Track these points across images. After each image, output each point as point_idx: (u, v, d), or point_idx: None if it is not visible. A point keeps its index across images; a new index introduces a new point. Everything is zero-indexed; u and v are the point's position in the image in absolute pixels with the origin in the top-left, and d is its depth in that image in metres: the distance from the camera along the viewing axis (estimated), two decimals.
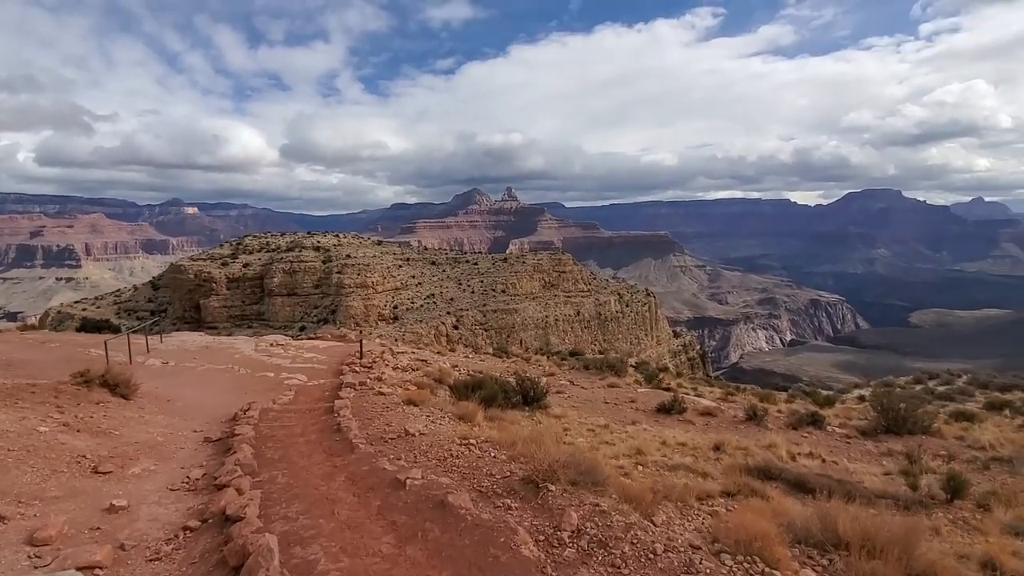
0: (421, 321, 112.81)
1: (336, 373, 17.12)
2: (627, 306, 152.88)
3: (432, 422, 10.30)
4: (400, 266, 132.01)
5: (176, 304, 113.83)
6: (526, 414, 13.35)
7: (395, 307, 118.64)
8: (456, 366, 19.90)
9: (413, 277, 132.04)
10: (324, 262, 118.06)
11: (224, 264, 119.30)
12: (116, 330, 24.36)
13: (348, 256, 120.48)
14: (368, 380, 14.46)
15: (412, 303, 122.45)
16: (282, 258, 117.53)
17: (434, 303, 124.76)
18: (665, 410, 15.98)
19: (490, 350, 32.93)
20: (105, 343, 15.91)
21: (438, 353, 24.17)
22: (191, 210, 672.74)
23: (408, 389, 13.84)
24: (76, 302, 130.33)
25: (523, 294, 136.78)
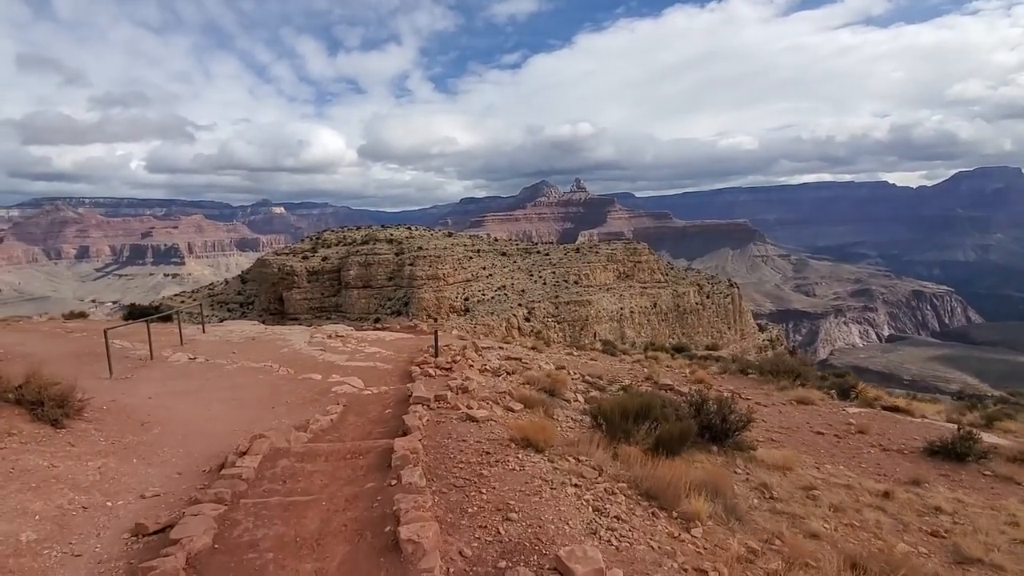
0: (492, 313, 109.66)
1: (403, 377, 12.48)
2: (708, 298, 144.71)
3: (596, 508, 5.04)
4: (471, 257, 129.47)
5: (262, 296, 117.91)
6: (719, 456, 7.96)
7: (466, 299, 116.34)
8: (563, 367, 14.85)
9: (484, 268, 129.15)
10: (397, 254, 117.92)
11: (304, 258, 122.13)
12: (167, 318, 21.43)
13: (420, 248, 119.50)
14: (448, 391, 9.60)
15: (483, 295, 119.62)
16: (358, 251, 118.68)
17: (505, 295, 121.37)
18: (946, 453, 9.75)
19: (563, 343, 27.46)
20: (105, 333, 12.16)
21: (532, 349, 19.26)
22: (278, 210, 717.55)
23: (510, 408, 8.91)
24: (176, 295, 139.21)
25: (596, 285, 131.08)
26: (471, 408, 8.67)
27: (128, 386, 11.04)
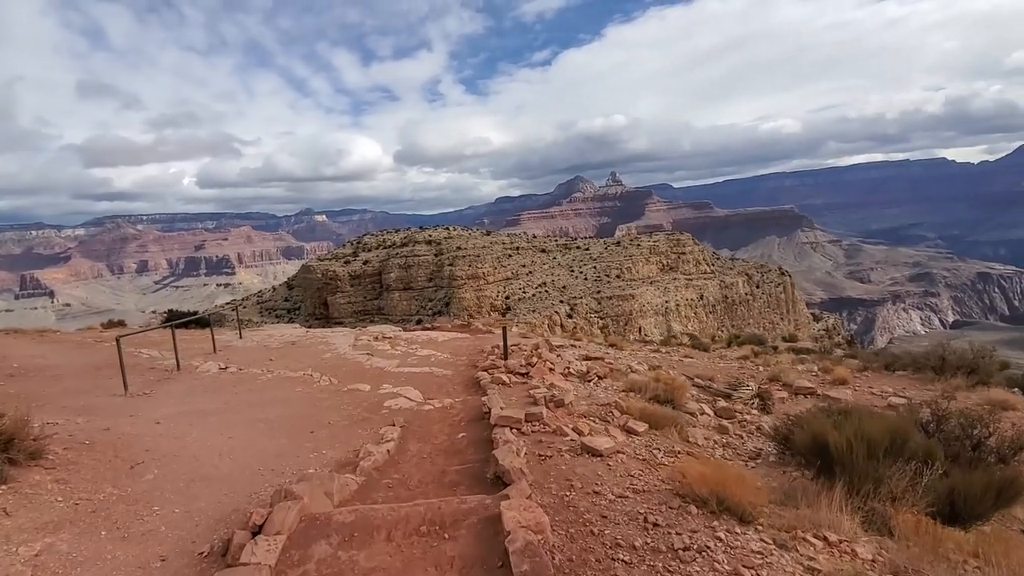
0: (534, 311, 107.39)
1: (468, 385, 10.11)
2: (757, 287, 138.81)
3: None
4: (509, 255, 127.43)
5: (307, 301, 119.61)
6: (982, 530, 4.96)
7: (507, 297, 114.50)
8: (656, 367, 12.15)
9: (523, 266, 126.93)
10: (436, 255, 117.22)
11: (346, 263, 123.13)
12: (205, 323, 19.96)
13: (459, 248, 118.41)
14: (536, 405, 7.13)
15: (524, 293, 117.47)
16: (397, 254, 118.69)
17: (546, 292, 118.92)
18: None
19: (639, 341, 24.35)
20: (117, 341, 10.28)
21: (612, 347, 16.61)
22: (320, 218, 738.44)
23: (631, 430, 6.38)
24: (227, 303, 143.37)
25: (640, 279, 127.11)
26: (580, 431, 6.16)
27: (143, 404, 9.11)
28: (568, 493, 4.55)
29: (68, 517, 4.30)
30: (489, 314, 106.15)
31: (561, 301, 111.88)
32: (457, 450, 6.44)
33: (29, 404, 8.68)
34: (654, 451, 5.89)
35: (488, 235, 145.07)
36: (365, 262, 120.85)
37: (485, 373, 10.29)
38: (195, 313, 23.68)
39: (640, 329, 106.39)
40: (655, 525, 3.86)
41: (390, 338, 16.61)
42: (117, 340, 10.32)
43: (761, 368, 13.30)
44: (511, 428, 6.32)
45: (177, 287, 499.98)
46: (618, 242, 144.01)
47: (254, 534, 3.84)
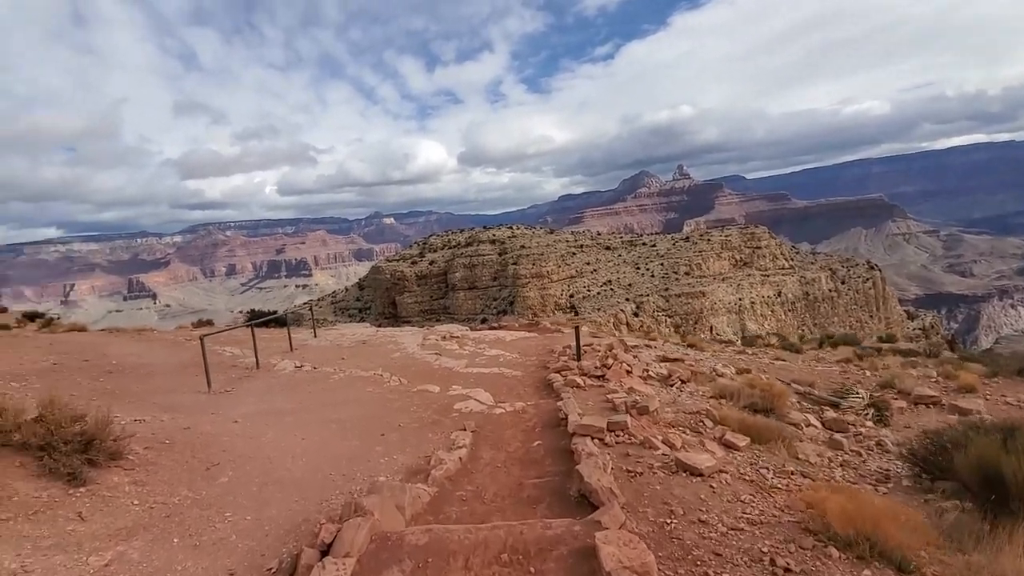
0: (599, 309, 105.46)
1: (539, 387, 9.62)
2: (842, 283, 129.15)
3: None
4: (574, 253, 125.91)
5: (377, 301, 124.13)
6: None
7: (571, 296, 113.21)
8: (744, 370, 11.08)
9: (588, 264, 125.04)
10: (500, 254, 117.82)
11: (413, 263, 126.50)
12: (283, 322, 20.78)
13: (522, 247, 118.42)
14: (617, 412, 6.52)
15: (588, 291, 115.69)
16: (462, 253, 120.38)
17: (611, 290, 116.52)
18: None
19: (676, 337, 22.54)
20: (202, 340, 10.64)
21: (691, 347, 15.52)
22: (388, 220, 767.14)
23: (730, 443, 5.62)
24: (305, 303, 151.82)
25: (711, 275, 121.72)
26: (672, 444, 5.48)
27: (223, 402, 9.32)
28: (668, 520, 3.92)
29: (142, 522, 4.21)
30: (553, 313, 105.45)
31: (627, 299, 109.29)
32: (533, 460, 5.94)
33: (121, 400, 9.11)
34: (761, 471, 5.11)
35: (551, 233, 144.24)
36: (431, 262, 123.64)
37: (557, 375, 9.76)
38: (274, 313, 24.82)
39: (712, 328, 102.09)
40: (787, 571, 3.17)
41: (458, 337, 16.44)
42: (201, 339, 10.70)
43: (868, 373, 11.79)
44: (592, 438, 5.74)
45: (261, 288, 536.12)
46: (687, 237, 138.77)
47: (323, 553, 3.53)
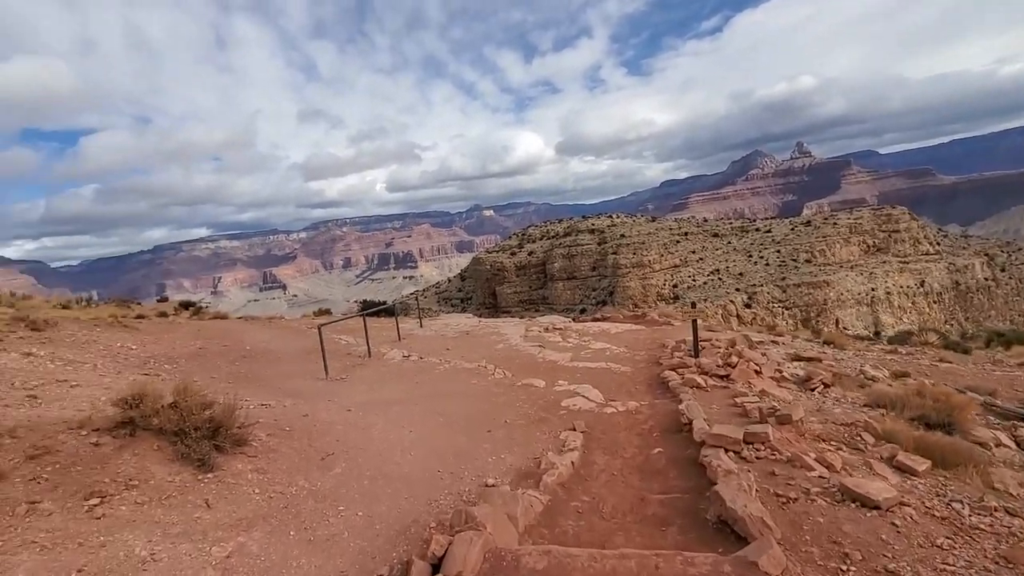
0: (705, 300, 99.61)
1: (652, 385, 8.87)
2: (1002, 271, 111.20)
3: None
4: (677, 241, 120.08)
5: (478, 292, 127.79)
6: None
7: (674, 286, 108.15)
8: (902, 374, 9.39)
9: (693, 252, 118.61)
10: (599, 244, 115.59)
11: (512, 254, 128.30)
12: (391, 312, 21.75)
13: (622, 236, 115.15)
14: (760, 423, 5.67)
15: (693, 281, 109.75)
16: (560, 243, 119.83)
17: (719, 279, 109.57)
18: None
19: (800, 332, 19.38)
20: (319, 329, 11.19)
21: (828, 344, 13.69)
22: (488, 213, 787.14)
23: (903, 466, 4.59)
24: (411, 293, 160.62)
25: (836, 263, 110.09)
26: (830, 465, 4.57)
27: (338, 389, 9.70)
28: (844, 568, 3.14)
29: (262, 512, 4.25)
30: (656, 303, 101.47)
31: (737, 289, 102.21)
32: (655, 470, 5.31)
33: (253, 383, 9.80)
34: (953, 504, 4.07)
35: (653, 221, 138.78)
36: (530, 253, 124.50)
37: (673, 372, 8.94)
38: (383, 303, 26.10)
39: (837, 321, 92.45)
40: None
41: (560, 329, 15.99)
42: (319, 329, 11.28)
43: None
44: (726, 450, 4.99)
45: (373, 280, 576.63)
46: (808, 222, 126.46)
47: (434, 568, 3.27)
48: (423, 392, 9.27)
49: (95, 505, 3.68)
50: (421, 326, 18.08)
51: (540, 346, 13.37)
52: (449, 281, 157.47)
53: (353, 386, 10.08)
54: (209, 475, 4.45)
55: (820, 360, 10.14)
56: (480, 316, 26.78)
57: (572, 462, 5.60)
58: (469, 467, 5.70)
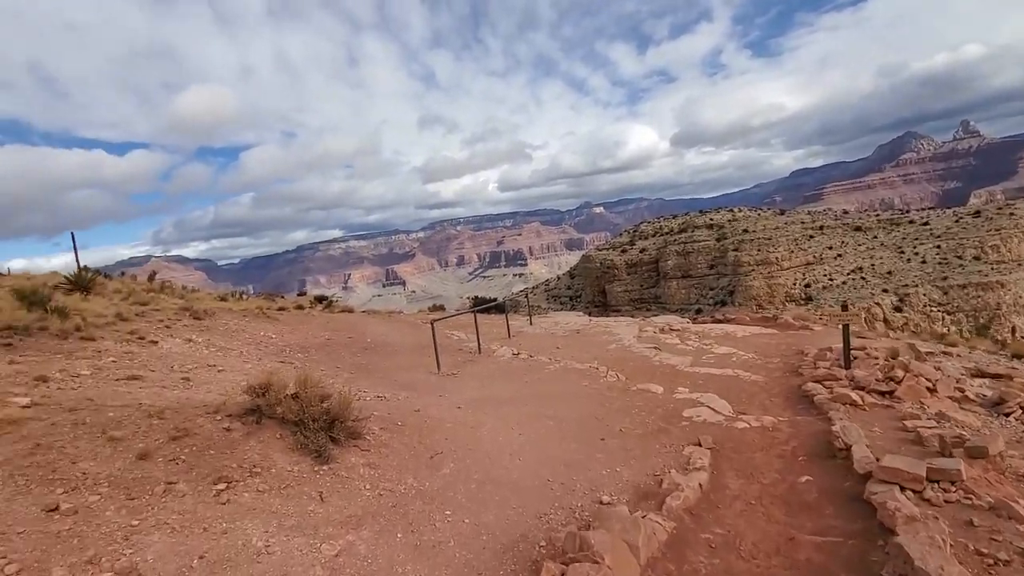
0: (844, 301, 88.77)
1: (789, 397, 7.77)
2: None
3: None
4: (811, 236, 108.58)
5: (587, 290, 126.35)
6: None
7: (807, 285, 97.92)
8: None
9: (830, 248, 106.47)
10: (718, 240, 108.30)
11: (623, 251, 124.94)
12: (501, 309, 21.99)
13: (745, 231, 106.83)
14: (939, 454, 4.57)
15: (830, 280, 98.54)
16: (675, 240, 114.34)
17: (862, 278, 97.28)
18: None
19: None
20: (432, 325, 11.39)
21: (1016, 357, 11.28)
22: (598, 210, 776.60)
23: None
24: (520, 290, 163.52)
25: (1013, 260, 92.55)
26: None
27: (449, 385, 9.78)
28: None
29: (371, 510, 4.21)
30: (784, 304, 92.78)
31: (884, 290, 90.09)
32: (804, 503, 4.48)
33: (372, 375, 10.22)
34: None
35: (782, 215, 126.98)
36: (642, 250, 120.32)
37: (818, 385, 7.75)
38: (494, 300, 26.52)
39: (1014, 329, 77.90)
40: None
41: (678, 331, 14.91)
42: (432, 324, 11.53)
43: None
44: (902, 488, 4.04)
45: (484, 277, 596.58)
46: (976, 212, 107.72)
47: None
48: (532, 392, 9.00)
49: (222, 490, 3.85)
50: (531, 323, 17.95)
51: (656, 348, 12.51)
52: (558, 279, 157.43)
53: (463, 382, 10.12)
54: (324, 467, 4.52)
55: (1011, 377, 8.20)
56: (589, 314, 26.15)
57: (700, 484, 4.94)
58: (581, 479, 5.28)
